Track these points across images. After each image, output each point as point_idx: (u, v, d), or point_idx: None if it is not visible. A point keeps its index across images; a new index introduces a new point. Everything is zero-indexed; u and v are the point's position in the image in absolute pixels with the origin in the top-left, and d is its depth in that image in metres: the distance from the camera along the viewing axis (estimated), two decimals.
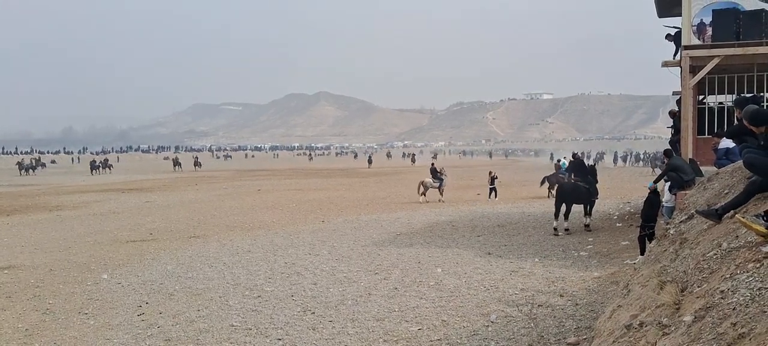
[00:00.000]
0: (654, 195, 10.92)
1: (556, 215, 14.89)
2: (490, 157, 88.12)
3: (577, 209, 15.42)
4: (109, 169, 55.23)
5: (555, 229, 14.66)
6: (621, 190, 27.73)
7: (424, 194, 23.54)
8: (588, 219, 15.26)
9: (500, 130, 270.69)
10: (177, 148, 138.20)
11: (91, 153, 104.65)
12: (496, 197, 23.97)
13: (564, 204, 14.87)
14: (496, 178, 24.87)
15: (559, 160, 30.29)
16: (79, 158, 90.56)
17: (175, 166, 59.80)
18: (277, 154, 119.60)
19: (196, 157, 67.81)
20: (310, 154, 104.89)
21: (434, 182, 23.97)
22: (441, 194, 23.87)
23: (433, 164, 26.64)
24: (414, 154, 71.39)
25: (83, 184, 39.08)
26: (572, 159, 17.53)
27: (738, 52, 12.21)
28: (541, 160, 73.99)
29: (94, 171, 51.78)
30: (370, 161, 65.79)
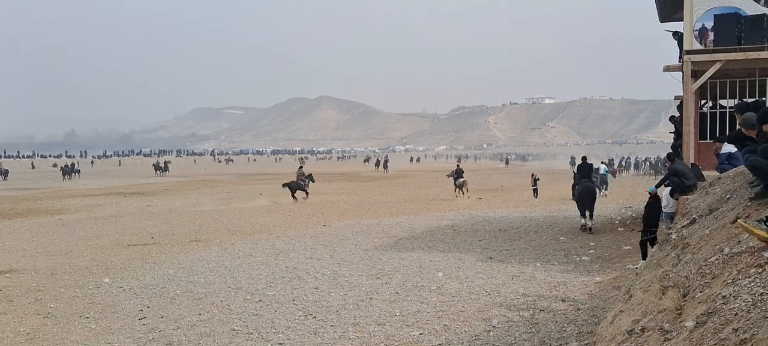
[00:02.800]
0: (654, 200, 10.90)
1: (583, 215, 15.82)
2: (507, 163, 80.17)
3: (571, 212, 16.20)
4: (77, 174, 52.44)
5: (584, 226, 15.70)
6: (623, 194, 27.72)
7: (462, 191, 26.77)
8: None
9: (501, 134, 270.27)
10: (179, 152, 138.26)
11: (93, 157, 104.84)
12: (537, 197, 25.48)
13: (589, 204, 15.73)
14: (539, 179, 26.60)
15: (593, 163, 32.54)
16: (92, 162, 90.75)
17: (156, 170, 56.21)
18: (279, 158, 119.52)
19: (167, 162, 61.48)
20: (302, 159, 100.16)
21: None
22: (466, 190, 26.94)
23: (458, 166, 29.20)
24: (386, 160, 63.09)
25: (84, 188, 39.13)
26: (582, 163, 17.98)
27: (739, 57, 12.21)
28: (554, 164, 73.52)
29: (65, 176, 49.92)
30: (377, 165, 65.42)
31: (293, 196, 26.28)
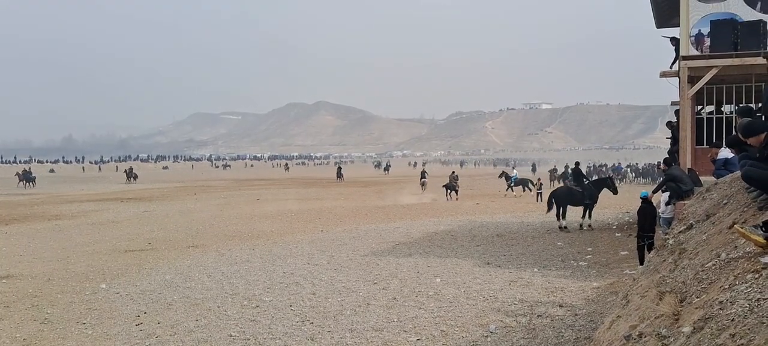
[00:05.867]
0: (647, 204, 10.90)
1: (557, 216, 17.48)
2: (534, 170, 75.44)
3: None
4: (32, 183, 47.26)
5: (560, 226, 17.14)
6: (620, 200, 27.73)
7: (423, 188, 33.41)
8: (588, 220, 17.50)
9: (499, 139, 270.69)
10: (176, 157, 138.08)
11: (90, 162, 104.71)
12: (541, 200, 27.09)
13: (559, 206, 17.53)
14: (543, 184, 29.80)
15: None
16: (99, 168, 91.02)
17: (128, 177, 53.18)
18: (276, 164, 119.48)
19: (130, 168, 57.31)
20: (286, 164, 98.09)
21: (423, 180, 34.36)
22: (423, 189, 33.44)
23: (423, 168, 37.98)
24: (340, 167, 58.49)
25: (82, 193, 39.04)
26: (574, 168, 20.20)
27: (736, 63, 12.25)
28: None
29: (28, 183, 46.69)
30: (386, 169, 65.93)
31: (447, 195, 30.02)
